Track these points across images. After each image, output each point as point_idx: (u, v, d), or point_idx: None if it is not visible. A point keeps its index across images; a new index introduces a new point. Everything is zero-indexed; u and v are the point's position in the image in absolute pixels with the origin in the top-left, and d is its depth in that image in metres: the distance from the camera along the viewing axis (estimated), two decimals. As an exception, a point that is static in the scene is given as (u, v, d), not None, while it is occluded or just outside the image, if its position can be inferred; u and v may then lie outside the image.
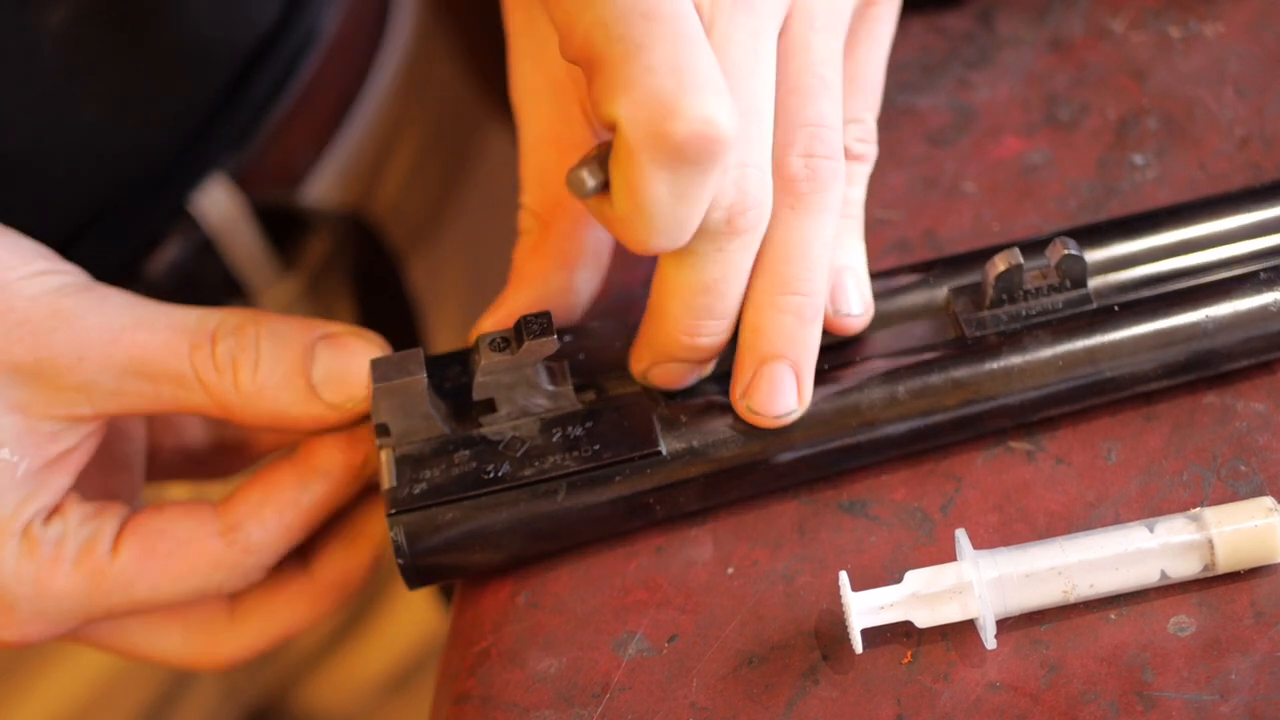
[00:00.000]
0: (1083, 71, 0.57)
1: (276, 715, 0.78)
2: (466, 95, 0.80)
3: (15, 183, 0.57)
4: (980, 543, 0.46)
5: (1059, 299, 0.48)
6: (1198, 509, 0.44)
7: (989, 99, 0.57)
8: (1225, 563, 0.43)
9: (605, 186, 0.42)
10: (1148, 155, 0.54)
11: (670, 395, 0.48)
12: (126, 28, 0.59)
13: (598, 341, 0.49)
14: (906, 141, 0.56)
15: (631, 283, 0.53)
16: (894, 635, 0.44)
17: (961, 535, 0.44)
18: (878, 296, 0.49)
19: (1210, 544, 0.43)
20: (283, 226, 0.67)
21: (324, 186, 0.69)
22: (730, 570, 0.47)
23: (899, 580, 0.44)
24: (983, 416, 0.47)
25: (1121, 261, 0.49)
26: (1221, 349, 0.47)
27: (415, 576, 0.47)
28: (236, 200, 0.64)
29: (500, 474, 0.46)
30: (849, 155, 0.48)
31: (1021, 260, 0.47)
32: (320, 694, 0.78)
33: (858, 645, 0.43)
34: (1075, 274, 0.47)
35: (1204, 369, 0.47)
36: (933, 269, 0.50)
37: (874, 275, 0.49)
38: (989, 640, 0.43)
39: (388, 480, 0.47)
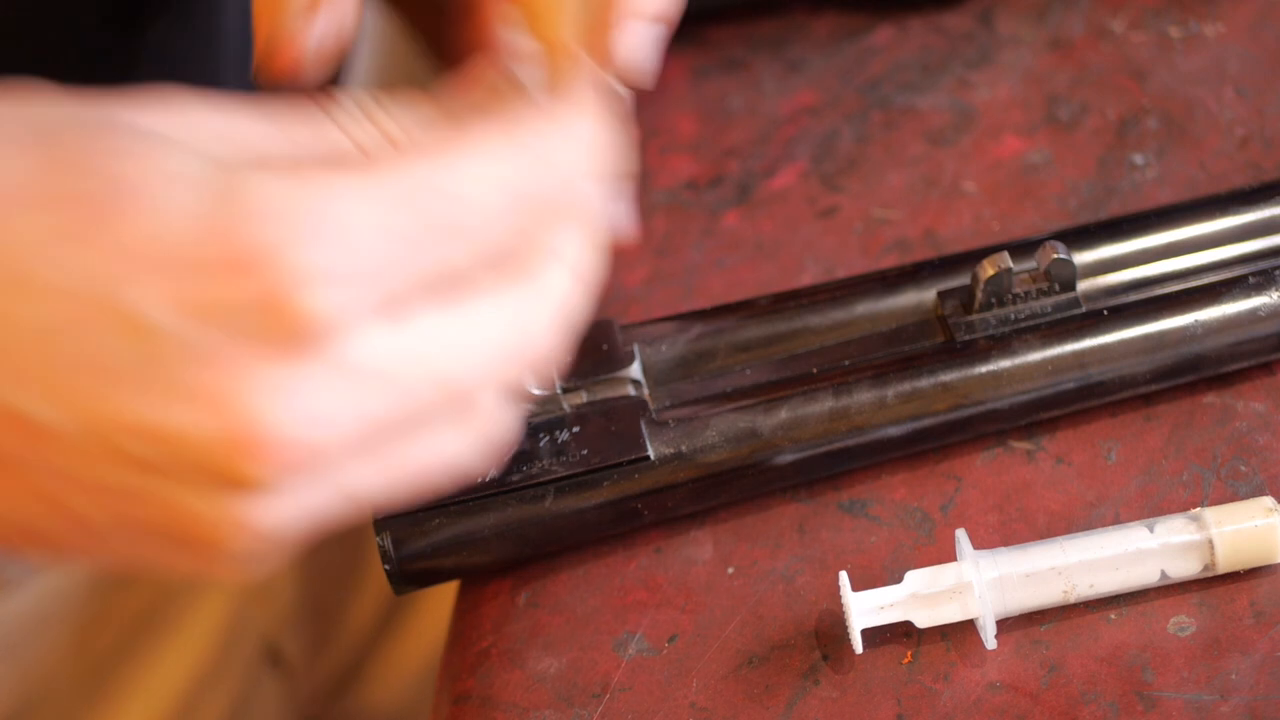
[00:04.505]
0: (1083, 71, 0.57)
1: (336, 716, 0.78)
2: (425, 70, 0.81)
3: None
4: (980, 543, 0.46)
5: (1048, 303, 0.48)
6: (1198, 509, 0.44)
7: (989, 99, 0.57)
8: (1225, 563, 0.43)
9: None
10: (1148, 155, 0.54)
11: (660, 403, 0.48)
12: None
13: (585, 344, 0.49)
14: (906, 141, 0.56)
15: (630, 283, 0.53)
16: (894, 635, 0.45)
17: (961, 535, 0.44)
18: (867, 299, 0.49)
19: (1210, 544, 0.43)
20: None
21: None
22: (730, 570, 0.47)
23: (899, 580, 0.44)
24: (972, 420, 0.47)
25: (1111, 264, 0.49)
26: (1210, 353, 0.47)
27: (402, 582, 0.47)
28: None
29: (488, 479, 0.46)
30: None
31: (1010, 264, 0.47)
32: (374, 690, 0.78)
33: (858, 645, 0.43)
34: (1064, 278, 0.48)
35: (1193, 373, 0.47)
36: (921, 271, 0.50)
37: (863, 278, 0.50)
38: (989, 640, 0.43)
39: None
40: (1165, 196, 0.53)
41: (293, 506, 0.35)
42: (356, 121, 0.37)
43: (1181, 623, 0.43)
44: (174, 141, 0.34)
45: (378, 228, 0.34)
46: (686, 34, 0.62)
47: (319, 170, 0.33)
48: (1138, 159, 0.54)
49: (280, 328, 0.33)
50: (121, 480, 0.34)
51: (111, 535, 0.35)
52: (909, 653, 0.44)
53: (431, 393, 0.35)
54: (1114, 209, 0.53)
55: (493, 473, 0.46)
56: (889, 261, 0.53)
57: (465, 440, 0.37)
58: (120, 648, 0.65)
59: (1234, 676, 0.42)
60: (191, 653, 0.68)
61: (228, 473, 0.33)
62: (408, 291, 0.34)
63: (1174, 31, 0.58)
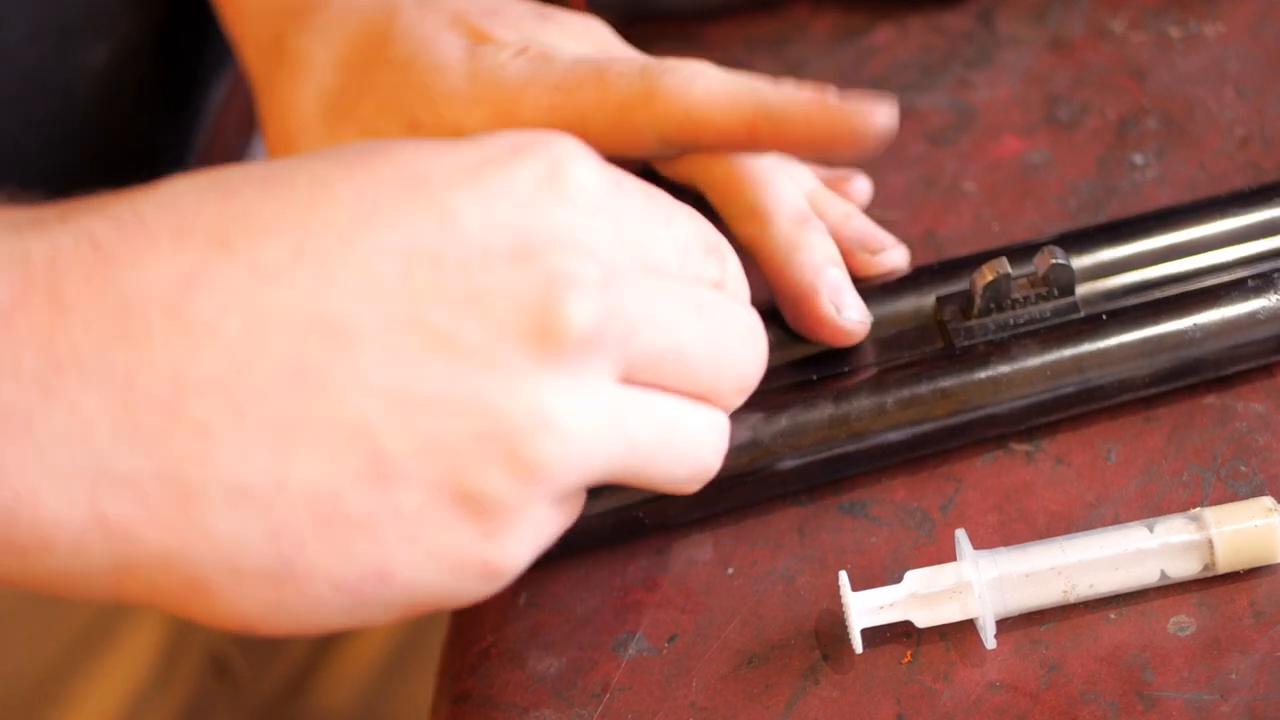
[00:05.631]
0: (1083, 71, 0.57)
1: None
2: None
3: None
4: (980, 543, 0.46)
5: (1047, 307, 0.48)
6: (1198, 509, 0.44)
7: (989, 99, 0.57)
8: (1225, 563, 0.43)
9: None
10: (1148, 155, 0.54)
11: None
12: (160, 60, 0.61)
13: None
14: (906, 141, 0.56)
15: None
16: (894, 635, 0.45)
17: (961, 535, 0.44)
18: (866, 304, 0.49)
19: (1210, 544, 0.43)
20: None
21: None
22: (730, 570, 0.47)
23: (899, 580, 0.44)
24: (972, 425, 0.47)
25: (1109, 267, 0.49)
26: (1209, 356, 0.47)
27: None
28: None
29: None
30: None
31: (1009, 270, 0.47)
32: (323, 696, 0.78)
33: (858, 645, 0.43)
34: (1063, 282, 0.48)
35: (1192, 376, 0.47)
36: (920, 277, 0.50)
37: (862, 283, 0.50)
38: (989, 640, 0.43)
39: None
40: (1165, 197, 0.53)
41: (588, 403, 0.36)
42: None
43: (1181, 623, 0.43)
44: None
45: (603, 168, 0.39)
46: (686, 34, 0.62)
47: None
48: (1138, 159, 0.54)
49: (564, 195, 0.37)
50: (427, 380, 0.35)
51: (408, 482, 0.35)
52: (909, 653, 0.44)
53: (699, 330, 0.39)
54: (1114, 209, 0.53)
55: None
56: (889, 261, 0.53)
57: (712, 425, 0.41)
58: (64, 662, 0.65)
59: (1234, 676, 0.42)
60: (136, 667, 0.67)
61: (544, 323, 0.35)
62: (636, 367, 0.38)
63: (1174, 31, 0.58)
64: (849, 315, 0.47)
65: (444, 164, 0.36)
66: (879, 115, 0.44)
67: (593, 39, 0.51)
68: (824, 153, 0.45)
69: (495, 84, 0.48)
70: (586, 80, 0.47)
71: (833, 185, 0.53)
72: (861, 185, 0.53)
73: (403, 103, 0.49)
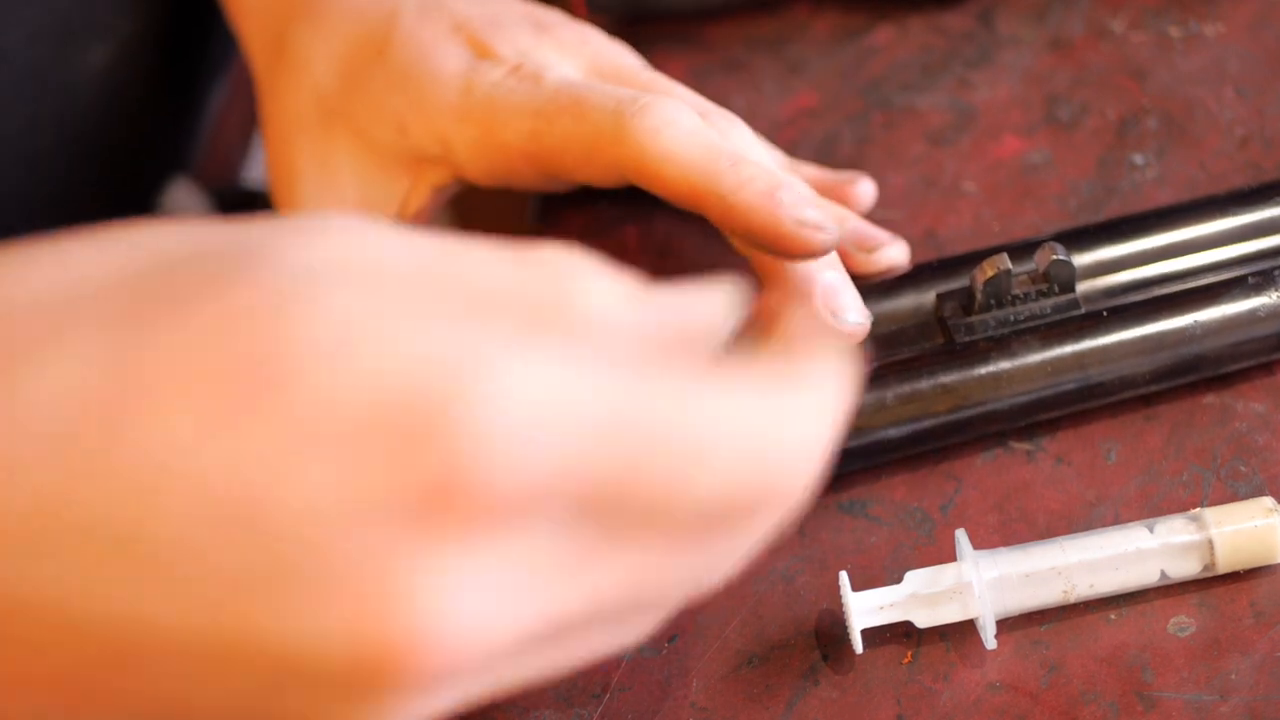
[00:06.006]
0: (1083, 71, 0.57)
1: None
2: None
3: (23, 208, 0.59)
4: (980, 543, 0.46)
5: (1047, 304, 0.48)
6: (1198, 509, 0.44)
7: (989, 99, 0.57)
8: (1225, 563, 0.43)
9: None
10: (1148, 155, 0.54)
11: None
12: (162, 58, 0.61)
13: None
14: (906, 141, 0.56)
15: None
16: (894, 635, 0.45)
17: (961, 535, 0.44)
18: (867, 301, 0.49)
19: (1210, 544, 0.43)
20: (238, 211, 0.68)
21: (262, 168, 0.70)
22: (730, 570, 0.47)
23: (899, 580, 0.44)
24: (973, 421, 0.47)
25: (1110, 265, 0.49)
26: (1209, 353, 0.47)
27: None
28: (197, 196, 0.65)
29: None
30: None
31: (1010, 266, 0.47)
32: None
33: (858, 645, 0.43)
34: (1064, 279, 0.48)
35: (1192, 373, 0.47)
36: (920, 274, 0.50)
37: (862, 280, 0.50)
38: (989, 640, 0.43)
39: None
40: (1165, 196, 0.53)
41: (429, 710, 0.30)
42: (589, 273, 0.30)
43: (1181, 623, 0.43)
44: (341, 281, 0.28)
45: (589, 420, 0.28)
46: (686, 34, 0.62)
47: (532, 327, 0.28)
48: (1138, 159, 0.54)
49: (451, 513, 0.27)
50: (242, 693, 0.29)
51: None
52: (909, 653, 0.44)
53: (621, 600, 0.31)
54: (1114, 209, 0.53)
55: None
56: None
57: (640, 632, 0.33)
58: None
59: (1234, 676, 0.42)
60: None
61: (371, 689, 0.28)
62: (602, 505, 0.29)
63: (1174, 31, 0.58)
64: (846, 319, 0.48)
65: (322, 424, 0.27)
66: (820, 235, 0.44)
67: (586, 54, 0.51)
68: (761, 247, 0.46)
69: (486, 104, 0.48)
70: (566, 109, 0.47)
71: (836, 189, 0.53)
72: (865, 188, 0.53)
73: (395, 107, 0.49)
